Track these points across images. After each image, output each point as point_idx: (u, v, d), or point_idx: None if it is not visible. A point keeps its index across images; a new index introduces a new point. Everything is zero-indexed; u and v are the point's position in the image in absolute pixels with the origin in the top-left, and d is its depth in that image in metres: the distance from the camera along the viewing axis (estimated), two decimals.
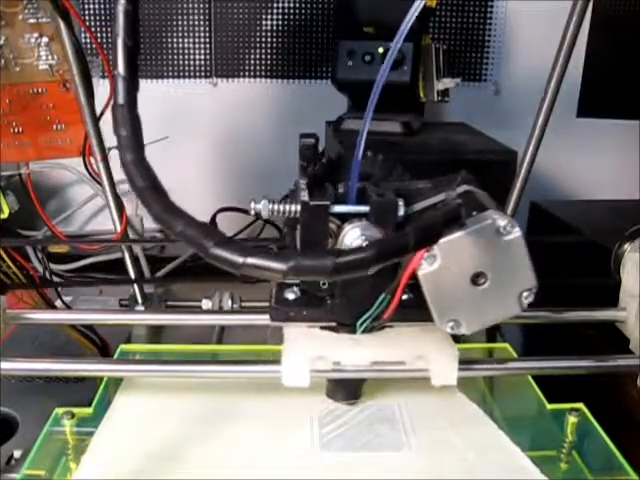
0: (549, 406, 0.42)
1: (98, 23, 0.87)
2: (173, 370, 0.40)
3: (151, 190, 0.28)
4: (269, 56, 0.90)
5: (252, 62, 0.91)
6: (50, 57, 0.57)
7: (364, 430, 0.40)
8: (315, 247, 0.35)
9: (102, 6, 0.87)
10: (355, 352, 0.37)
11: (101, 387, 0.43)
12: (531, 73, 0.73)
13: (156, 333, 0.62)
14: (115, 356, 0.48)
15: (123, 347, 0.48)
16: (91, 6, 0.87)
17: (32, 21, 0.56)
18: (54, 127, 0.59)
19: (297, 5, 0.89)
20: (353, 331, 0.37)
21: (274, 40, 0.90)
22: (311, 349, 0.37)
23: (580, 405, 0.41)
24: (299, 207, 0.35)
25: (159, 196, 0.28)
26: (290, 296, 0.38)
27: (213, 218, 0.85)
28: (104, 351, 0.58)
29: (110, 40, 0.88)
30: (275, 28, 0.89)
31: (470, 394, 0.43)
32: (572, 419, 0.40)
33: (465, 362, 0.39)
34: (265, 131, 0.90)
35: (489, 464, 0.37)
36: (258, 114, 0.90)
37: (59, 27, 0.52)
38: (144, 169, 0.28)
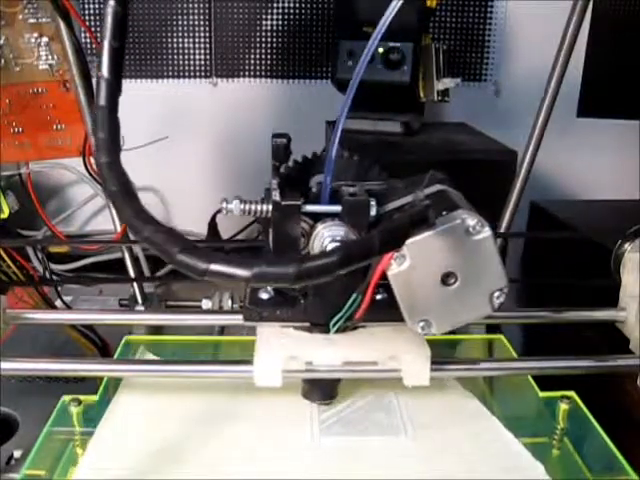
0: (541, 394, 0.43)
1: (98, 23, 0.87)
2: (173, 370, 0.40)
3: (122, 194, 0.28)
4: (269, 56, 0.90)
5: (252, 62, 0.91)
6: (50, 57, 0.57)
7: (362, 417, 0.40)
8: (287, 247, 0.35)
9: (102, 6, 0.87)
10: (328, 352, 0.37)
11: (101, 387, 0.43)
12: (531, 73, 0.73)
13: (156, 333, 0.62)
14: (119, 348, 0.48)
15: (128, 338, 0.49)
16: (91, 6, 0.87)
17: (32, 21, 0.56)
18: (54, 127, 0.59)
19: (297, 5, 0.89)
20: (326, 331, 0.37)
21: (274, 40, 0.90)
22: (284, 349, 0.37)
23: (571, 393, 0.42)
24: (270, 207, 0.35)
25: (130, 201, 0.28)
26: (264, 296, 0.38)
27: (213, 218, 0.85)
28: (104, 351, 0.58)
29: None
30: (275, 28, 0.89)
31: (466, 385, 0.44)
32: (563, 406, 0.41)
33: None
34: (265, 131, 0.89)
35: (490, 458, 0.38)
36: (258, 114, 0.90)
37: (59, 27, 0.52)
38: (117, 173, 0.28)
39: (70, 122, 0.59)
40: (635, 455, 0.38)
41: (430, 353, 0.37)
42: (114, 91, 0.28)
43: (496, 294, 0.33)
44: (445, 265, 0.32)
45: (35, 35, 0.56)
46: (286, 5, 0.89)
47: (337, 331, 0.37)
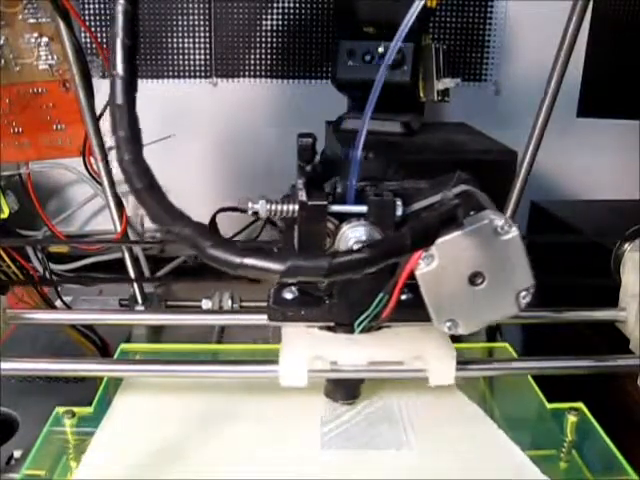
0: (549, 406, 0.42)
1: (98, 23, 0.87)
2: (173, 370, 0.40)
3: (149, 190, 0.28)
4: (269, 56, 0.90)
5: (252, 62, 0.90)
6: (50, 57, 0.57)
7: (364, 429, 0.40)
8: (313, 247, 0.35)
9: (102, 6, 0.87)
10: (353, 352, 0.37)
11: (101, 387, 0.43)
12: (531, 73, 0.73)
13: (156, 333, 0.62)
14: (115, 356, 0.48)
15: (123, 347, 0.48)
16: (91, 6, 0.86)
17: (32, 21, 0.56)
18: (54, 127, 0.59)
19: (297, 5, 0.89)
20: (351, 331, 0.37)
21: (274, 40, 0.90)
22: (309, 349, 0.37)
23: (580, 405, 0.41)
24: (297, 207, 0.35)
25: (157, 196, 0.28)
26: (288, 296, 0.38)
27: (213, 218, 0.84)
28: (104, 351, 0.58)
29: (109, 40, 0.88)
30: (275, 28, 0.89)
31: (470, 394, 0.43)
32: (572, 418, 0.40)
33: (465, 362, 0.39)
34: (265, 131, 0.90)
35: (489, 463, 0.37)
36: (258, 114, 0.90)
37: (59, 27, 0.52)
38: (142, 169, 0.28)
39: (70, 122, 0.59)
40: (635, 455, 0.38)
41: (455, 353, 0.37)
42: (130, 88, 0.28)
43: (522, 294, 0.33)
44: (473, 265, 0.32)
45: (35, 35, 0.56)
46: (286, 5, 0.88)
47: (362, 331, 0.37)
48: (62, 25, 0.52)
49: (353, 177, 0.35)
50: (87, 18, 0.86)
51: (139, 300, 0.63)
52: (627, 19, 0.91)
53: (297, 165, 0.38)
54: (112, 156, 0.58)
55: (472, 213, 0.32)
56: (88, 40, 0.76)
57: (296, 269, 0.28)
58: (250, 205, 0.36)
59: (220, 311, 0.60)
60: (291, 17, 0.89)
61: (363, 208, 0.35)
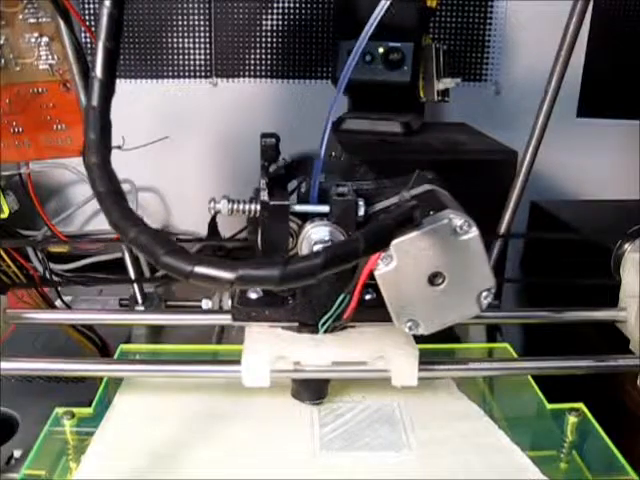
0: (549, 406, 0.42)
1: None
2: (173, 370, 0.40)
3: (111, 195, 0.28)
4: (269, 56, 0.90)
5: (252, 62, 0.91)
6: (50, 57, 0.57)
7: (364, 430, 0.40)
8: (276, 247, 0.35)
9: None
10: (316, 352, 0.37)
11: (101, 387, 0.43)
12: (531, 73, 0.73)
13: (156, 333, 0.62)
14: (115, 356, 0.48)
15: (123, 347, 0.48)
16: (91, 6, 0.87)
17: (32, 21, 0.56)
18: (54, 127, 0.59)
19: (297, 5, 0.89)
20: (315, 331, 0.37)
21: (274, 40, 0.90)
22: (272, 349, 0.37)
23: (580, 405, 0.41)
24: (258, 206, 0.35)
25: (118, 202, 0.28)
26: (252, 296, 0.38)
27: (213, 218, 0.85)
28: (104, 351, 0.58)
29: None
30: (275, 28, 0.89)
31: (470, 394, 0.43)
32: (572, 419, 0.40)
33: (465, 362, 0.39)
34: (265, 131, 0.90)
35: (489, 464, 0.37)
36: (258, 114, 0.90)
37: (59, 27, 0.52)
38: (107, 174, 0.28)
39: (70, 122, 0.58)
40: (635, 455, 0.38)
41: (418, 353, 0.37)
42: (106, 92, 0.28)
43: (484, 294, 0.32)
44: (432, 265, 0.32)
45: (35, 35, 0.56)
46: (286, 5, 0.89)
47: (326, 331, 0.37)
48: (62, 25, 0.52)
49: (316, 176, 0.35)
50: (87, 18, 0.86)
51: (139, 300, 0.63)
52: (627, 19, 0.91)
53: (260, 165, 0.38)
54: (112, 156, 0.58)
55: (432, 213, 0.32)
56: (88, 40, 0.76)
57: (247, 278, 0.27)
58: (212, 204, 0.36)
59: (220, 311, 0.60)
60: (291, 17, 0.89)
61: (325, 208, 0.35)
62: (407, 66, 0.72)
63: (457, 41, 0.91)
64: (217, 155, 0.91)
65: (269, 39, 0.90)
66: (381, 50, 0.72)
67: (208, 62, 0.90)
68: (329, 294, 0.36)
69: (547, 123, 0.56)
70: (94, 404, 0.42)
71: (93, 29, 0.86)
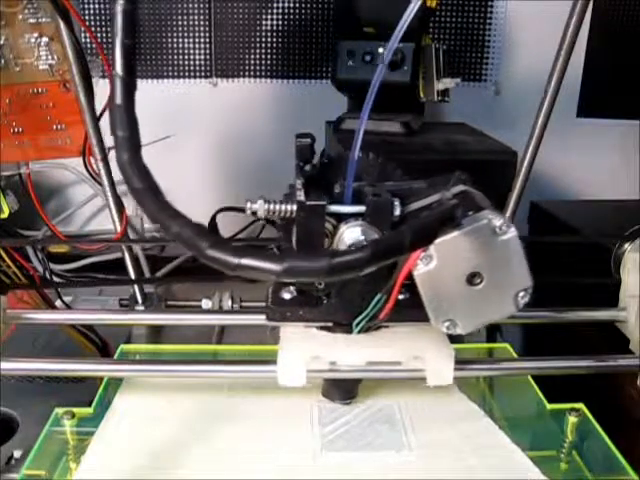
0: (549, 406, 0.42)
1: (98, 23, 0.87)
2: (173, 370, 0.40)
3: (148, 191, 0.28)
4: (269, 56, 0.90)
5: (252, 62, 0.91)
6: (50, 57, 0.57)
7: (365, 430, 0.40)
8: (311, 247, 0.35)
9: (102, 6, 0.87)
10: (351, 352, 0.37)
11: (101, 387, 0.43)
12: (531, 73, 0.73)
13: (156, 333, 0.62)
14: (115, 356, 0.48)
15: (123, 347, 0.48)
16: (91, 6, 0.87)
17: (32, 21, 0.56)
18: (54, 127, 0.59)
19: (297, 5, 0.89)
20: (349, 331, 0.37)
21: (274, 40, 0.90)
22: (307, 349, 0.37)
23: (580, 405, 0.41)
24: (295, 207, 0.35)
25: (155, 197, 0.28)
26: (286, 296, 0.38)
27: (213, 218, 0.84)
28: (104, 351, 0.58)
29: (110, 40, 0.88)
30: (275, 28, 0.89)
31: (470, 394, 0.43)
32: (572, 419, 0.40)
33: (464, 362, 0.38)
34: (265, 131, 0.90)
35: (489, 464, 0.37)
36: (258, 114, 0.90)
37: (59, 27, 0.52)
38: (141, 170, 0.28)
39: (70, 122, 0.58)
40: (635, 455, 0.38)
41: (454, 353, 0.37)
42: (130, 88, 0.28)
43: (521, 294, 0.33)
44: (471, 265, 0.32)
45: (35, 35, 0.56)
46: (286, 5, 0.89)
47: (360, 331, 0.37)
48: (62, 25, 0.51)
49: (350, 177, 0.35)
50: (87, 18, 0.86)
51: (139, 300, 0.63)
52: (627, 19, 0.91)
53: (296, 165, 0.38)
54: (112, 156, 0.58)
55: (470, 213, 0.32)
56: (88, 40, 0.76)
57: (294, 269, 0.28)
58: (249, 205, 0.36)
59: (220, 311, 0.60)
60: (291, 17, 0.89)
61: (361, 208, 0.35)
62: (407, 66, 0.72)
63: (457, 41, 0.91)
64: (217, 155, 0.91)
65: (269, 39, 0.90)
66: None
67: (208, 62, 0.90)
68: (364, 294, 0.36)
69: (547, 123, 0.56)
70: (94, 404, 0.42)
71: (93, 29, 0.86)
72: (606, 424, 0.40)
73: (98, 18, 0.87)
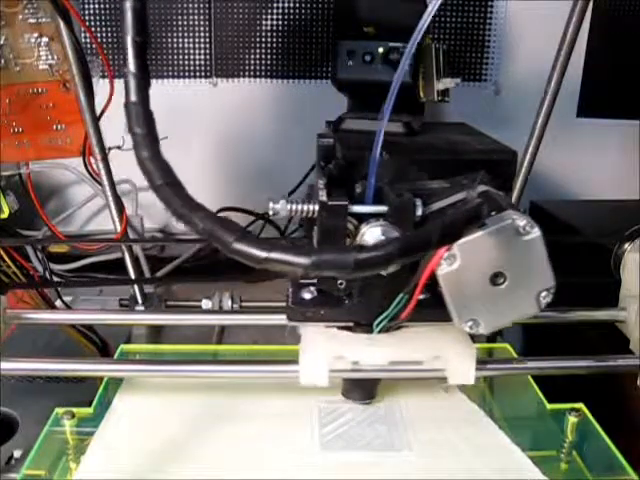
0: (549, 406, 0.42)
1: (98, 23, 0.87)
2: (173, 370, 0.40)
3: (170, 186, 0.28)
4: (269, 56, 0.90)
5: (252, 62, 0.90)
6: (50, 57, 0.57)
7: (364, 430, 0.40)
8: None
9: (102, 6, 0.87)
10: (373, 352, 0.37)
11: (101, 387, 0.43)
12: (531, 73, 0.73)
13: (156, 333, 0.62)
14: (115, 356, 0.48)
15: (123, 347, 0.48)
16: (91, 6, 0.87)
17: (32, 21, 0.56)
18: (54, 127, 0.59)
19: (297, 5, 0.89)
20: (369, 331, 0.37)
21: (274, 40, 0.90)
22: (330, 349, 0.37)
23: (580, 405, 0.41)
24: (317, 207, 0.35)
25: (179, 193, 0.28)
26: (307, 296, 0.38)
27: None
28: (104, 351, 0.58)
29: (110, 40, 0.88)
30: (275, 28, 0.89)
31: (470, 394, 0.43)
32: (572, 419, 0.40)
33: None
34: (265, 131, 0.90)
35: (489, 464, 0.37)
36: (258, 114, 0.90)
37: (59, 27, 0.52)
38: (162, 166, 0.28)
39: (70, 122, 0.58)
40: (635, 455, 0.38)
41: (475, 352, 0.37)
42: (144, 85, 0.28)
43: (543, 294, 0.33)
44: (495, 265, 0.32)
45: (35, 35, 0.56)
46: (286, 5, 0.88)
47: (380, 331, 0.37)
48: (62, 25, 0.51)
49: (372, 177, 0.35)
50: (87, 18, 0.86)
51: (139, 300, 0.63)
52: (627, 19, 0.91)
53: (317, 165, 0.38)
54: (112, 156, 0.58)
55: (493, 213, 0.32)
56: (88, 40, 0.76)
57: (322, 263, 0.28)
58: (271, 205, 0.35)
59: (220, 311, 0.60)
60: (291, 17, 0.89)
61: (383, 208, 0.35)
62: (407, 66, 0.72)
63: (457, 41, 0.91)
64: (217, 155, 0.91)
65: (269, 39, 0.90)
66: (381, 50, 0.72)
67: (208, 62, 0.90)
68: (385, 294, 0.36)
69: (547, 123, 0.56)
70: (94, 404, 0.42)
71: (93, 29, 0.86)
72: (606, 424, 0.40)
73: (98, 18, 0.87)
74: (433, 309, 0.35)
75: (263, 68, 0.91)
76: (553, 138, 0.59)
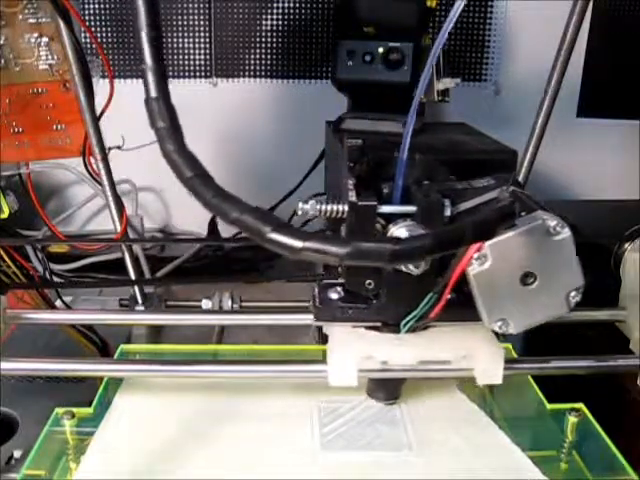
0: (549, 406, 0.42)
1: (98, 23, 0.87)
2: (173, 370, 0.40)
3: (200, 178, 0.28)
4: (269, 56, 0.90)
5: (252, 62, 0.90)
6: (50, 57, 0.57)
7: (365, 430, 0.40)
8: None
9: (102, 6, 0.87)
10: (402, 351, 0.37)
11: (101, 387, 0.43)
12: (531, 73, 0.73)
13: (156, 333, 0.62)
14: (115, 356, 0.48)
15: (123, 347, 0.48)
16: (91, 6, 0.87)
17: (32, 21, 0.56)
18: (54, 127, 0.59)
19: (297, 5, 0.89)
20: (396, 331, 0.37)
21: (274, 40, 0.90)
22: (359, 349, 0.37)
23: (580, 405, 0.41)
24: (346, 207, 0.35)
25: (210, 184, 0.28)
26: (334, 296, 0.38)
27: (213, 218, 0.85)
28: (104, 351, 0.58)
29: (110, 40, 0.88)
30: (275, 28, 0.89)
31: (470, 394, 0.43)
32: (572, 419, 0.40)
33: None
34: (265, 131, 0.90)
35: (489, 464, 0.37)
36: (258, 114, 0.90)
37: (59, 27, 0.52)
38: (189, 158, 0.28)
39: (70, 122, 0.58)
40: (635, 455, 0.38)
41: (504, 351, 0.37)
42: (162, 78, 0.27)
43: (572, 293, 0.33)
44: (525, 265, 0.32)
45: (35, 35, 0.56)
46: (286, 5, 0.89)
47: (407, 331, 0.37)
48: (62, 25, 0.51)
49: (399, 178, 0.35)
50: (87, 18, 0.86)
51: (139, 300, 0.63)
52: (627, 19, 0.91)
53: (347, 166, 0.38)
54: (112, 156, 0.58)
55: (523, 214, 0.32)
56: (88, 40, 0.76)
57: (359, 253, 0.27)
58: (300, 205, 0.35)
59: (220, 311, 0.60)
60: (291, 17, 0.89)
61: (412, 208, 0.35)
62: (407, 66, 0.72)
63: (457, 41, 0.91)
64: (217, 155, 0.91)
65: (269, 39, 0.90)
66: (381, 50, 0.72)
67: (208, 62, 0.90)
68: (413, 294, 0.36)
69: (547, 123, 0.56)
70: (94, 404, 0.42)
71: (93, 29, 0.86)
72: (606, 424, 0.40)
73: (98, 18, 0.87)
74: (459, 309, 0.35)
75: (263, 68, 0.91)
76: (553, 138, 0.60)
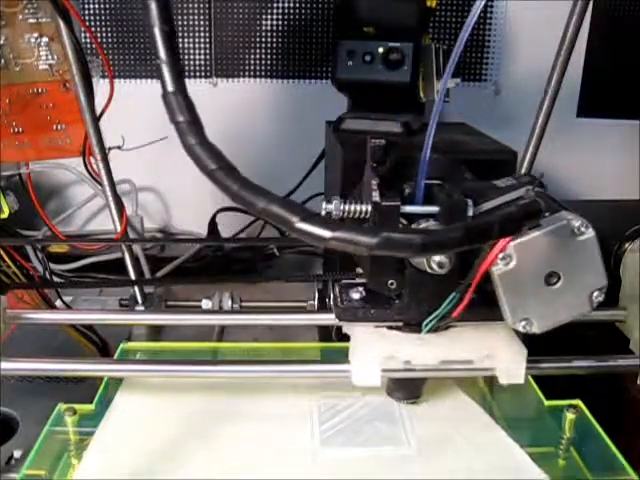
0: (547, 402, 0.42)
1: (98, 23, 0.87)
2: (173, 370, 0.40)
3: (225, 170, 0.28)
4: (269, 56, 0.90)
5: (252, 62, 0.90)
6: (50, 57, 0.57)
7: (364, 427, 0.40)
8: None
9: (102, 6, 0.87)
10: (425, 351, 0.37)
11: (101, 387, 0.43)
12: (531, 73, 0.73)
13: (156, 333, 0.62)
14: (116, 355, 0.48)
15: (124, 346, 0.48)
16: (91, 6, 0.87)
17: (32, 21, 0.56)
18: (54, 127, 0.59)
19: (297, 5, 0.89)
20: (418, 331, 0.37)
21: (274, 40, 0.90)
22: (382, 349, 0.37)
23: (577, 402, 0.41)
24: (370, 207, 0.35)
25: (234, 175, 0.28)
26: (355, 295, 0.38)
27: (213, 218, 0.85)
28: (104, 351, 0.58)
29: (110, 40, 0.88)
30: (275, 28, 0.89)
31: (470, 393, 0.43)
32: (570, 415, 0.40)
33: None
34: (265, 131, 0.90)
35: (488, 462, 0.37)
36: (258, 114, 0.90)
37: (59, 27, 0.52)
38: (213, 150, 0.28)
39: (70, 122, 0.58)
40: (635, 455, 0.38)
41: (526, 351, 0.37)
42: (178, 73, 0.27)
43: (595, 293, 0.33)
44: (549, 265, 0.32)
45: (35, 35, 0.56)
46: (286, 5, 0.89)
47: (429, 331, 0.37)
48: (62, 25, 0.52)
49: (422, 178, 0.35)
50: (87, 18, 0.86)
51: (139, 300, 0.63)
52: (627, 19, 0.91)
53: (370, 166, 0.38)
54: (112, 156, 0.58)
55: (547, 214, 0.32)
56: (88, 40, 0.76)
57: (389, 243, 0.27)
58: (324, 205, 0.35)
59: (220, 311, 0.60)
60: (291, 17, 0.89)
61: (435, 209, 0.35)
62: (407, 66, 0.72)
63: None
64: None
65: (269, 39, 0.90)
66: (381, 50, 0.72)
67: (208, 62, 0.90)
68: (435, 294, 0.36)
69: (547, 123, 0.56)
70: (94, 404, 0.42)
71: (93, 29, 0.86)
72: (606, 423, 0.40)
73: (98, 18, 0.87)
74: (480, 308, 0.35)
75: (263, 68, 0.91)
76: (553, 138, 0.59)
